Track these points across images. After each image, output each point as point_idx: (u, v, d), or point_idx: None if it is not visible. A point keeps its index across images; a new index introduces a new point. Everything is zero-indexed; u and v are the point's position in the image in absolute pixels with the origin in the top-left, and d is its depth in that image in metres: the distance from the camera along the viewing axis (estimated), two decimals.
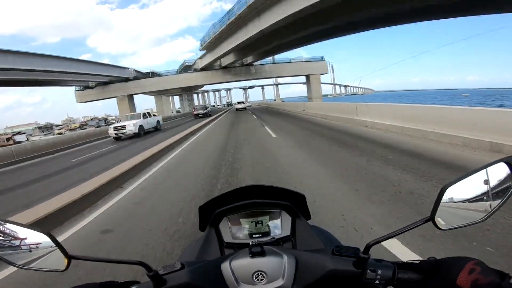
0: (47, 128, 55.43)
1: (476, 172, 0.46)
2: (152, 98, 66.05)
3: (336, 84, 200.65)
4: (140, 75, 41.95)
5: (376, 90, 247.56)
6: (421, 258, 0.51)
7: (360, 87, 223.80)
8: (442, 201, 0.46)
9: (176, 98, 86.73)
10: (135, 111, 33.09)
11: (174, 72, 44.91)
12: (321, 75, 46.66)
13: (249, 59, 39.73)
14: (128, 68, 41.89)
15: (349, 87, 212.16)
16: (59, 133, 39.95)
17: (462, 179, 0.46)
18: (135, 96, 43.09)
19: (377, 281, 0.48)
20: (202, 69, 41.23)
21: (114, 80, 39.00)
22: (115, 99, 40.89)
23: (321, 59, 45.04)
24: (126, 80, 40.44)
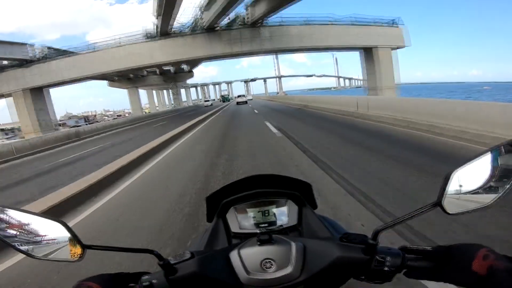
0: (12, 131, 44.82)
1: (483, 155, 0.45)
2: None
3: (340, 77, 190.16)
4: (53, 53, 24.86)
5: None
6: (428, 246, 0.50)
7: (362, 80, 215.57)
8: (449, 185, 0.45)
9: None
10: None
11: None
12: (394, 50, 26.03)
13: (257, 11, 20.13)
14: (26, 44, 24.16)
15: (353, 80, 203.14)
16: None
17: (469, 163, 0.45)
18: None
19: (386, 268, 0.49)
20: (164, 35, 22.84)
21: (6, 66, 23.29)
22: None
23: (394, 24, 25.20)
24: (25, 63, 23.74)
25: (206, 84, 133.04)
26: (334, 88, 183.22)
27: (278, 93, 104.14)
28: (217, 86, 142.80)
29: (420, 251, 0.50)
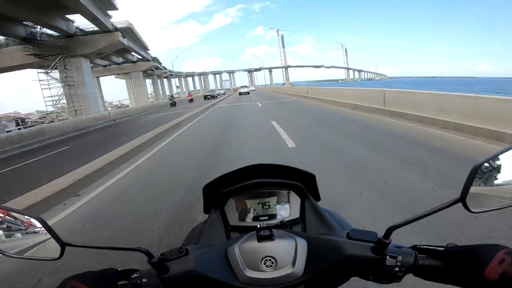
0: None
1: (508, 150, 0.41)
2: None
3: (350, 69, 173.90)
4: None
5: (389, 76, 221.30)
6: (440, 246, 0.46)
7: (374, 73, 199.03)
8: (473, 180, 0.41)
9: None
10: None
11: None
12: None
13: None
14: None
15: (363, 72, 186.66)
16: None
17: (494, 157, 0.42)
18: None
19: (396, 268, 0.45)
20: None
21: None
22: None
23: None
24: None
25: (205, 74, 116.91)
26: (342, 80, 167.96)
27: (284, 84, 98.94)
28: (217, 76, 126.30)
29: (431, 251, 0.46)
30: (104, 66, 39.17)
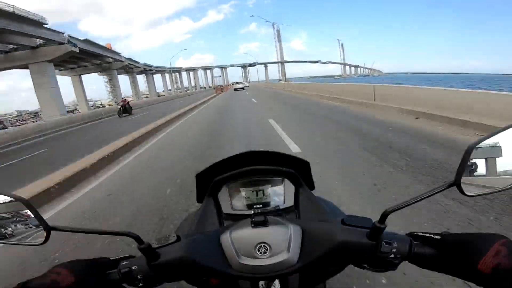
0: None
1: (504, 130, 0.39)
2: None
3: (346, 64, 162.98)
4: None
5: (385, 72, 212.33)
6: (437, 234, 0.45)
7: (370, 68, 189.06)
8: (468, 163, 0.39)
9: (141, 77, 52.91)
10: None
11: None
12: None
13: None
14: None
15: (359, 68, 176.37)
16: None
17: (489, 138, 0.40)
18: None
19: (392, 255, 0.43)
20: None
21: None
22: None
23: None
24: None
25: (194, 69, 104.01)
26: (338, 76, 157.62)
27: (280, 80, 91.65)
28: (208, 72, 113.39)
29: (427, 239, 0.44)
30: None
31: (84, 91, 39.47)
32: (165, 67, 79.23)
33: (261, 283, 0.51)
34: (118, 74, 51.31)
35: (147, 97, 52.54)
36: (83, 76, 41.17)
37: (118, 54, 42.87)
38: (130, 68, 50.69)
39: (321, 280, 0.56)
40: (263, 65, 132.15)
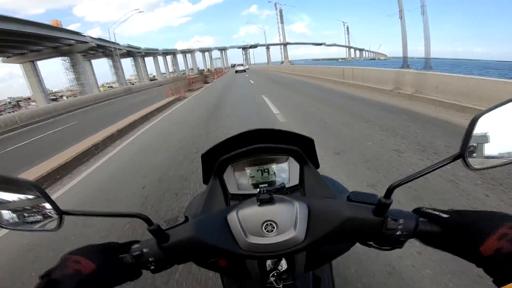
0: None
1: (509, 102, 0.38)
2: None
3: (351, 47, 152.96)
4: None
5: (389, 56, 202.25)
6: (444, 211, 0.44)
7: (376, 52, 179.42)
8: (474, 134, 0.38)
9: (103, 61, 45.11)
10: None
11: None
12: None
13: None
14: None
15: (364, 51, 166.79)
16: None
17: (495, 108, 0.38)
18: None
19: (398, 232, 0.43)
20: None
21: None
22: None
23: None
24: None
25: (191, 51, 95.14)
26: (342, 59, 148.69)
27: (282, 62, 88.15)
28: (207, 54, 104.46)
29: (434, 216, 0.44)
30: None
31: (40, 80, 32.94)
32: (157, 49, 71.24)
33: (268, 262, 0.50)
34: (96, 58, 43.78)
35: (132, 84, 45.57)
36: (40, 62, 34.41)
37: (78, 34, 34.15)
38: (109, 50, 43.04)
39: (327, 259, 0.57)
40: (265, 47, 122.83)
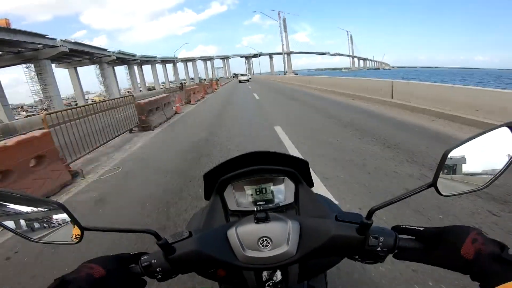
0: None
1: (478, 136, 0.44)
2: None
3: (355, 57, 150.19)
4: None
5: (392, 65, 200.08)
6: (420, 226, 0.51)
7: (380, 61, 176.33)
8: (444, 166, 0.45)
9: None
10: None
11: None
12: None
13: None
14: None
15: (368, 61, 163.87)
16: None
17: (463, 144, 0.45)
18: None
19: (379, 248, 0.49)
20: None
21: None
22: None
23: None
24: None
25: (192, 59, 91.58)
26: (345, 69, 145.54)
27: (285, 72, 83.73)
28: (208, 63, 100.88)
29: (412, 231, 0.51)
30: None
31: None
32: (154, 57, 67.11)
33: (264, 273, 0.56)
34: (83, 65, 39.06)
35: (128, 92, 40.85)
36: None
37: (43, 37, 26.92)
38: (98, 57, 39.11)
39: (320, 270, 0.63)
40: (268, 56, 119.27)
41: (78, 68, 41.13)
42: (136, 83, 55.41)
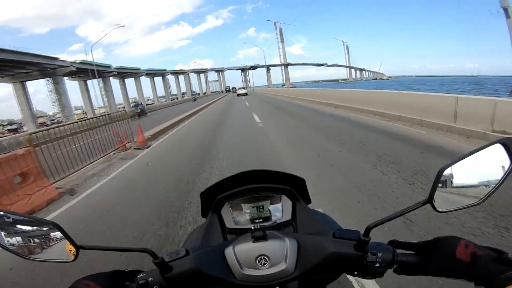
0: None
1: (472, 154, 0.45)
2: None
3: (352, 67, 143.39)
4: None
5: (388, 75, 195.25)
6: (414, 240, 0.52)
7: (377, 72, 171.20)
8: (439, 182, 0.45)
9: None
10: None
11: None
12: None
13: None
14: None
15: (365, 71, 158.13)
16: None
17: (458, 161, 0.46)
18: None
19: (377, 264, 0.49)
20: None
21: None
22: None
23: None
24: None
25: (184, 72, 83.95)
26: (342, 80, 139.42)
27: (283, 85, 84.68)
28: (202, 76, 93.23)
29: (407, 245, 0.51)
30: None
31: None
32: (138, 69, 59.35)
33: None
34: (31, 79, 30.67)
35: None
36: None
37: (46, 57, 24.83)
38: (51, 68, 30.53)
39: (319, 286, 0.62)
40: (265, 68, 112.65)
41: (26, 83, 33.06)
42: (112, 99, 47.09)
